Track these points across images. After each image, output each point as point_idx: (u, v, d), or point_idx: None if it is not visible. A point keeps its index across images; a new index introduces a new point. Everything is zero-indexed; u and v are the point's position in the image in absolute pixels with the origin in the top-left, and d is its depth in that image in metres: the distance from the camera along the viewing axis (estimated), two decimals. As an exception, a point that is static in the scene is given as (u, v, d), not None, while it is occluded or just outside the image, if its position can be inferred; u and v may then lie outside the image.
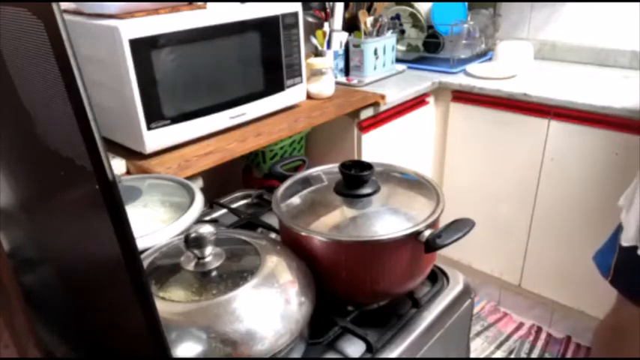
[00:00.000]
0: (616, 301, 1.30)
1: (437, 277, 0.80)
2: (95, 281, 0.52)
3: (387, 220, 0.70)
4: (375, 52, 1.80)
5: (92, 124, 0.36)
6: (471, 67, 1.89)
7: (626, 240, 1.16)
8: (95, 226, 0.41)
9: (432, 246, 0.65)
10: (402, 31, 2.10)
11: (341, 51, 1.79)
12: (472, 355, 1.81)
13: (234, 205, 1.03)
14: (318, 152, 1.75)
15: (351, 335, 0.68)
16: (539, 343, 1.86)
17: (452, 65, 1.94)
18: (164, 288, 0.60)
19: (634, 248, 1.13)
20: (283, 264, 0.65)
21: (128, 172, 1.15)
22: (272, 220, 0.90)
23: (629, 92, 1.58)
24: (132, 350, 0.52)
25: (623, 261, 1.18)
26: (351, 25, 1.89)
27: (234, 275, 0.61)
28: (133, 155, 1.16)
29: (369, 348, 0.66)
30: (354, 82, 1.77)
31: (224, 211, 1.01)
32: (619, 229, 1.21)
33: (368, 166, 0.74)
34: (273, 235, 0.86)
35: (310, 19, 1.78)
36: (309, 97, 1.54)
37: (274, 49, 1.34)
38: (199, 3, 1.21)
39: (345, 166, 0.74)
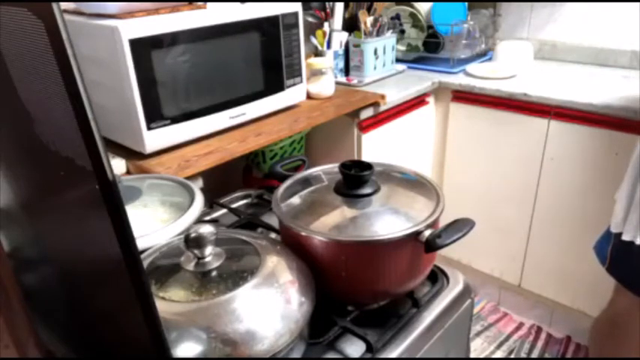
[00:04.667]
0: (613, 293, 1.30)
1: (437, 277, 0.79)
2: (95, 281, 0.52)
3: (387, 220, 0.70)
4: (375, 52, 1.80)
5: (92, 124, 0.36)
6: (471, 67, 1.89)
7: (615, 226, 1.17)
8: (95, 226, 0.41)
9: (432, 246, 0.65)
10: (402, 31, 2.10)
11: (341, 51, 1.79)
12: (472, 355, 1.81)
13: (234, 205, 1.03)
14: (318, 152, 1.75)
15: (351, 335, 0.68)
16: (539, 343, 1.86)
17: (452, 65, 1.94)
18: (164, 288, 0.60)
19: (622, 234, 1.14)
20: (283, 264, 0.65)
21: (128, 172, 1.15)
22: (272, 220, 0.90)
23: (629, 92, 1.58)
24: (132, 350, 0.52)
25: (617, 249, 1.19)
26: (351, 25, 1.89)
27: (234, 275, 0.61)
28: (133, 155, 1.16)
29: (369, 348, 0.66)
30: (354, 82, 1.77)
31: (224, 211, 1.01)
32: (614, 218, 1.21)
33: (368, 166, 0.74)
34: (273, 235, 0.86)
35: (310, 19, 1.78)
36: (309, 97, 1.54)
37: (274, 49, 1.34)
38: (199, 3, 1.21)
39: (345, 166, 0.74)
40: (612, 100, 1.51)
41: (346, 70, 1.84)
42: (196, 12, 1.18)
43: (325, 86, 1.56)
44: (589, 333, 1.41)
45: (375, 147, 1.66)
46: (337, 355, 0.67)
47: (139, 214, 0.79)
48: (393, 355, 0.66)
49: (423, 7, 2.03)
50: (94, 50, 1.09)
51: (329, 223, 0.70)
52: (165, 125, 1.13)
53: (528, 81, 1.76)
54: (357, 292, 0.71)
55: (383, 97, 1.59)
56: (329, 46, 1.76)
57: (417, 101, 1.80)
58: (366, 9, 1.82)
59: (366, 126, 1.61)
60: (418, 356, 0.70)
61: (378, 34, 1.80)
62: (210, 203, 1.03)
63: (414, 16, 2.05)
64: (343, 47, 1.80)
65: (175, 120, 1.15)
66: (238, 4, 1.27)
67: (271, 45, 1.32)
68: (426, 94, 1.82)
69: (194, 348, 0.53)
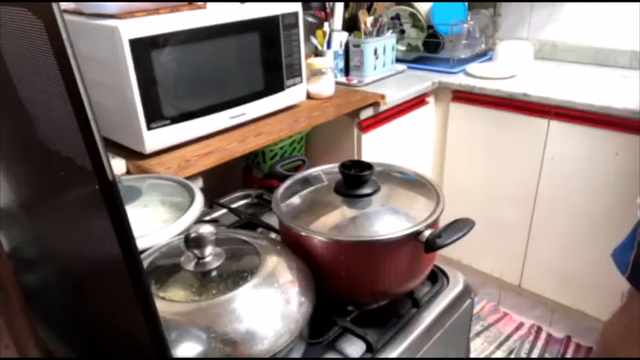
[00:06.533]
0: (627, 298, 1.29)
1: (437, 277, 0.79)
2: (95, 281, 0.52)
3: (387, 220, 0.70)
4: (375, 52, 1.80)
5: (92, 124, 0.36)
6: (471, 67, 1.89)
7: None
8: (95, 226, 0.41)
9: (432, 246, 0.65)
10: (402, 31, 2.10)
11: (341, 51, 1.79)
12: (472, 355, 1.81)
13: (234, 205, 1.03)
14: (318, 152, 1.75)
15: (351, 335, 0.68)
16: (539, 343, 1.86)
17: (452, 65, 1.94)
18: (164, 288, 0.60)
19: None
20: (283, 264, 0.65)
21: (128, 172, 1.15)
22: (272, 220, 0.90)
23: (629, 92, 1.58)
24: (132, 350, 0.52)
25: None
26: (351, 25, 1.89)
27: (234, 275, 0.61)
28: (133, 155, 1.16)
29: (369, 348, 0.66)
30: (354, 82, 1.77)
31: (224, 211, 1.01)
32: (638, 225, 1.20)
33: (368, 166, 0.74)
34: (273, 235, 0.86)
35: (310, 19, 1.78)
36: (309, 97, 1.54)
37: (274, 49, 1.34)
38: (199, 3, 1.21)
39: (345, 166, 0.74)
40: (612, 100, 1.51)
41: (346, 70, 1.84)
42: (196, 12, 1.18)
43: (325, 86, 1.56)
44: (598, 336, 1.40)
45: (375, 147, 1.66)
46: (337, 355, 0.67)
47: (139, 214, 0.79)
48: (393, 355, 0.66)
49: (423, 7, 2.03)
50: (94, 50, 1.09)
51: (329, 223, 0.70)
52: (165, 125, 1.13)
53: (528, 81, 1.76)
54: (357, 292, 0.71)
55: (383, 97, 1.59)
56: (329, 46, 1.76)
57: (417, 101, 1.80)
58: (366, 9, 1.82)
59: (366, 126, 1.61)
60: (418, 356, 0.70)
61: (378, 34, 1.80)
62: (210, 203, 1.03)
63: (414, 16, 2.05)
64: (343, 47, 1.80)
65: (175, 120, 1.15)
66: (238, 4, 1.27)
67: (271, 45, 1.32)
68: (426, 94, 1.82)
69: (194, 348, 0.53)
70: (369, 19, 1.79)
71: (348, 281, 0.69)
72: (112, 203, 0.38)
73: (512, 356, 1.82)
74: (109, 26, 1.03)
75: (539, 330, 1.92)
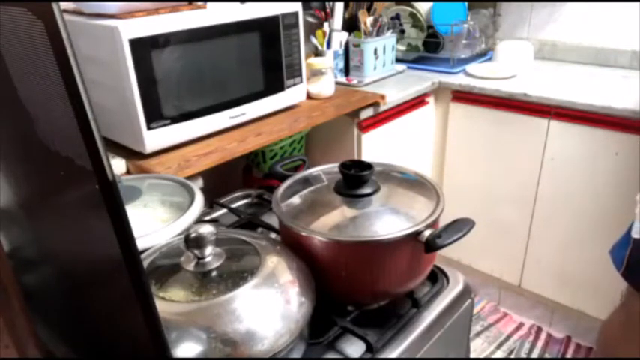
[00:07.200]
0: (625, 297, 1.29)
1: (437, 277, 0.79)
2: (95, 281, 0.52)
3: (387, 220, 0.70)
4: (375, 52, 1.80)
5: (92, 124, 0.36)
6: (471, 67, 1.89)
7: (637, 232, 1.16)
8: (95, 226, 0.41)
9: (432, 246, 0.65)
10: (402, 31, 2.10)
11: (341, 51, 1.79)
12: (472, 355, 1.81)
13: (234, 205, 1.03)
14: (318, 152, 1.75)
15: (351, 335, 0.68)
16: (539, 343, 1.86)
17: (452, 65, 1.94)
18: (164, 288, 0.60)
19: None
20: (283, 264, 0.65)
21: (128, 172, 1.15)
22: (272, 220, 0.90)
23: (629, 92, 1.58)
24: (132, 350, 0.52)
25: (635, 253, 1.18)
26: (351, 25, 1.89)
27: (234, 275, 0.61)
28: (133, 155, 1.16)
29: (369, 348, 0.66)
30: (354, 82, 1.77)
31: (224, 211, 1.01)
32: (634, 222, 1.20)
33: (368, 166, 0.74)
34: (273, 235, 0.86)
35: (310, 19, 1.79)
36: (309, 97, 1.54)
37: (274, 49, 1.34)
38: (199, 3, 1.21)
39: (345, 166, 0.74)
40: (612, 100, 1.51)
41: (346, 70, 1.84)
42: (196, 12, 1.18)
43: (325, 86, 1.56)
44: (597, 335, 1.41)
45: (375, 147, 1.66)
46: (337, 355, 0.67)
47: (139, 214, 0.79)
48: (393, 355, 0.66)
49: (423, 7, 2.03)
50: (94, 50, 1.09)
51: (329, 223, 0.70)
52: (165, 125, 1.13)
53: (528, 81, 1.76)
54: (357, 292, 0.71)
55: (383, 97, 1.59)
56: (329, 46, 1.76)
57: (417, 101, 1.80)
58: (366, 9, 1.82)
59: (366, 126, 1.61)
60: (418, 356, 0.70)
61: (378, 34, 1.80)
62: (210, 203, 1.03)
63: (414, 16, 2.05)
64: (343, 47, 1.80)
65: (175, 120, 1.15)
66: (238, 4, 1.27)
67: (271, 45, 1.32)
68: (425, 94, 1.82)
69: (194, 348, 0.53)
70: (369, 19, 1.79)
71: (348, 281, 0.69)
72: (112, 203, 0.38)
73: (512, 356, 1.82)
74: (109, 26, 1.03)
75: (539, 330, 1.92)
